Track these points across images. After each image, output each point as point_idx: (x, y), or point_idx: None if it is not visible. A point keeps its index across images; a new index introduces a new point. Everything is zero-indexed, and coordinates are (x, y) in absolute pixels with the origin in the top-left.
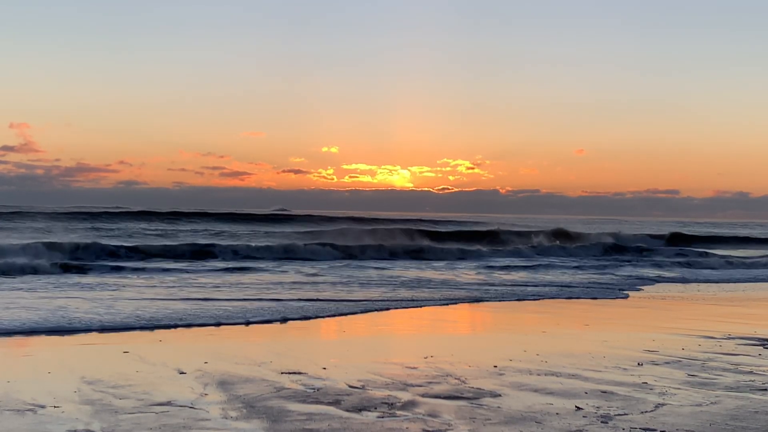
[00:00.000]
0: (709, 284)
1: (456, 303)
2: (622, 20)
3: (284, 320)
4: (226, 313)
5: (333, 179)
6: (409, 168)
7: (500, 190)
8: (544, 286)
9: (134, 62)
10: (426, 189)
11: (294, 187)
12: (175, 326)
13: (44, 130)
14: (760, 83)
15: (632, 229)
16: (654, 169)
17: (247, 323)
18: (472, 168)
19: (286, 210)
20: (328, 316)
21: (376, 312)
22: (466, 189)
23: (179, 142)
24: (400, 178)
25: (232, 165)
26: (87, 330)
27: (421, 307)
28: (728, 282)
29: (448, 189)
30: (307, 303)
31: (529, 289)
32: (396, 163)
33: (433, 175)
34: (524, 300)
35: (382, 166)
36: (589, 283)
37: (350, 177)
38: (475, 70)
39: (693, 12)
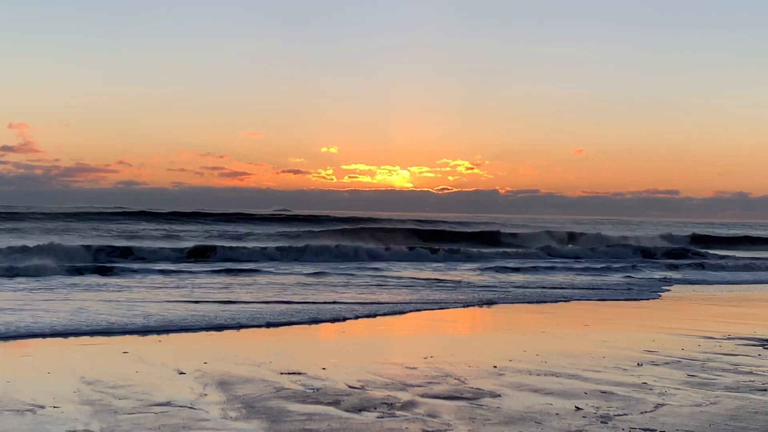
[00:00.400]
0: (733, 285)
1: (486, 306)
2: (622, 20)
3: (314, 322)
4: (253, 315)
5: (332, 179)
6: (408, 168)
7: (500, 191)
8: (574, 288)
9: (134, 62)
10: (425, 189)
11: (293, 187)
12: (208, 329)
13: (43, 130)
14: (760, 83)
15: (631, 228)
16: (653, 169)
17: (278, 325)
18: (472, 168)
19: (287, 210)
20: (362, 317)
21: (412, 313)
22: (466, 189)
23: (178, 143)
24: (399, 179)
25: (232, 165)
26: (114, 333)
27: (454, 308)
28: (755, 284)
29: (448, 189)
30: (340, 306)
31: (557, 291)
32: (395, 163)
33: (432, 175)
34: (558, 302)
35: (382, 167)
36: (612, 284)
37: (350, 177)
38: (474, 70)
39: (693, 12)
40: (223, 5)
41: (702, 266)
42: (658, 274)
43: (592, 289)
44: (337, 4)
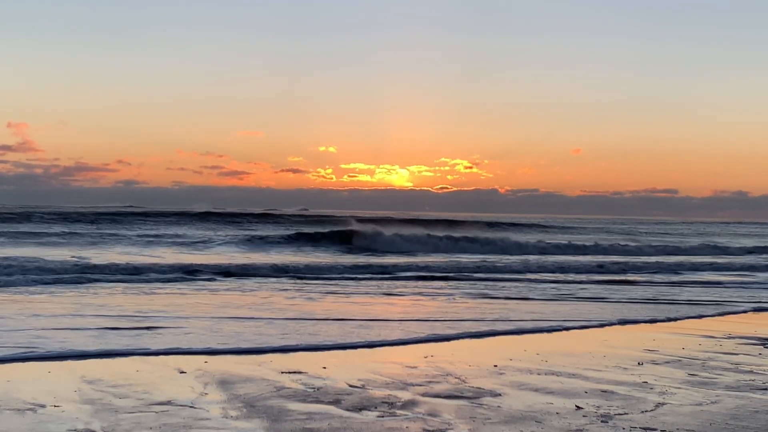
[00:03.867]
0: None
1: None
2: (620, 20)
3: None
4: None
5: (332, 179)
6: (407, 167)
7: (499, 190)
8: None
9: (133, 62)
10: (425, 188)
11: (292, 186)
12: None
13: (43, 130)
14: (759, 83)
15: (633, 227)
16: (652, 168)
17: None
18: (470, 167)
19: (305, 210)
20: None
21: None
22: (465, 188)
23: (177, 142)
24: (398, 178)
25: (231, 164)
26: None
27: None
28: None
29: (447, 188)
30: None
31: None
32: (394, 162)
33: (431, 174)
34: None
35: (381, 166)
36: None
37: (349, 176)
38: (473, 69)
39: (691, 12)
40: (222, 6)
41: None
42: None
43: None
44: (335, 4)
